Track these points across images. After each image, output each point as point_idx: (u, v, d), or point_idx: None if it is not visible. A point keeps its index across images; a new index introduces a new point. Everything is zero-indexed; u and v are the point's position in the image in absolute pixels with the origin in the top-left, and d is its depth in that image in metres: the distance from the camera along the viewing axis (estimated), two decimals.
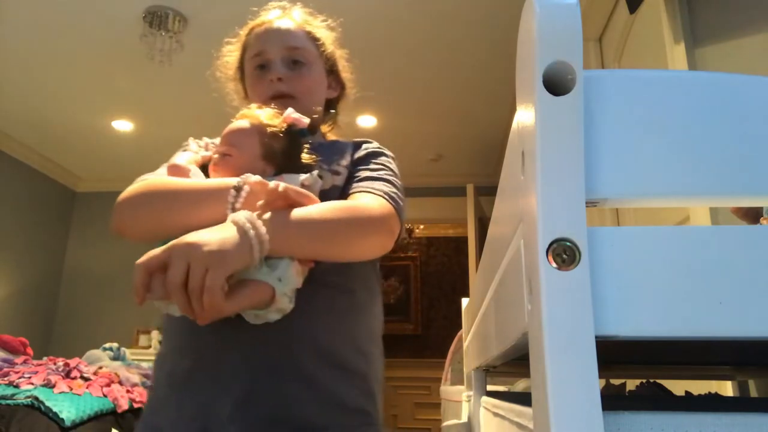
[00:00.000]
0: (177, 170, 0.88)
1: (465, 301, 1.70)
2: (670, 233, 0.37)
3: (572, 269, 0.34)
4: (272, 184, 0.77)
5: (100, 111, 3.82)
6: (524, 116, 0.40)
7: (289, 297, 0.77)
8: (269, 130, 0.89)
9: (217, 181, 0.84)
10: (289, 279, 0.76)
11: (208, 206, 0.79)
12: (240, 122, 0.90)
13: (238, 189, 0.79)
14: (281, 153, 0.90)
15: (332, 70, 1.10)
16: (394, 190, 0.92)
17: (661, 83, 0.41)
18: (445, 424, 2.16)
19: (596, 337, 0.34)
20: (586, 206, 0.36)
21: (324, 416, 0.83)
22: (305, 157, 0.92)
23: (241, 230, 0.71)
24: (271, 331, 0.79)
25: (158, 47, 2.84)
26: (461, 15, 2.73)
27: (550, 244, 0.35)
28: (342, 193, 0.92)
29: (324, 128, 1.13)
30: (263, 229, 0.73)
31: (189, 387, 0.82)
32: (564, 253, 0.34)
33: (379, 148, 1.03)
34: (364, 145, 1.03)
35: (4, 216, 4.25)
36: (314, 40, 1.07)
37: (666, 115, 0.39)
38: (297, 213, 0.78)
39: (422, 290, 5.92)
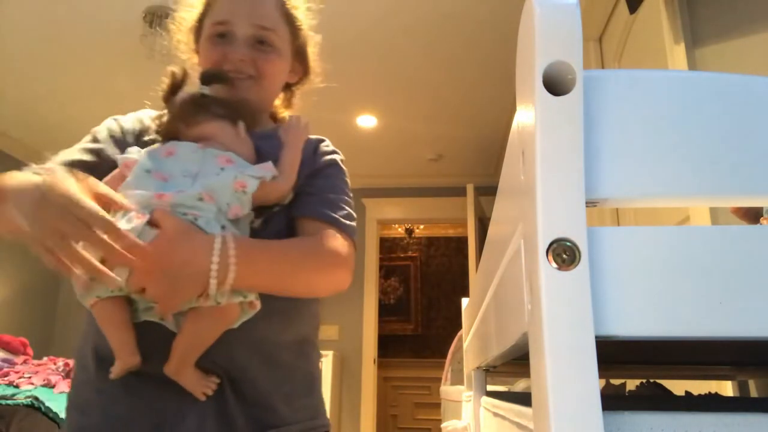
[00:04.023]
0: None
1: (465, 301, 1.69)
2: (670, 233, 0.37)
3: (572, 269, 0.34)
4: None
5: (100, 111, 3.81)
6: (524, 116, 0.40)
7: None
8: None
9: None
10: None
11: None
12: None
13: None
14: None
15: (300, 55, 0.99)
16: (352, 222, 0.90)
17: (661, 83, 0.40)
18: (445, 424, 2.15)
19: (596, 337, 0.34)
20: (586, 206, 0.36)
21: None
22: None
23: None
24: None
25: (158, 47, 2.84)
26: (461, 15, 2.73)
27: (550, 244, 0.35)
28: (290, 204, 0.88)
29: (280, 109, 1.06)
30: None
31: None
32: (564, 253, 0.34)
33: (335, 153, 0.97)
34: (322, 147, 0.97)
35: None
36: (290, 21, 0.95)
37: (666, 115, 0.39)
38: (266, 248, 0.78)
39: (422, 290, 5.93)
